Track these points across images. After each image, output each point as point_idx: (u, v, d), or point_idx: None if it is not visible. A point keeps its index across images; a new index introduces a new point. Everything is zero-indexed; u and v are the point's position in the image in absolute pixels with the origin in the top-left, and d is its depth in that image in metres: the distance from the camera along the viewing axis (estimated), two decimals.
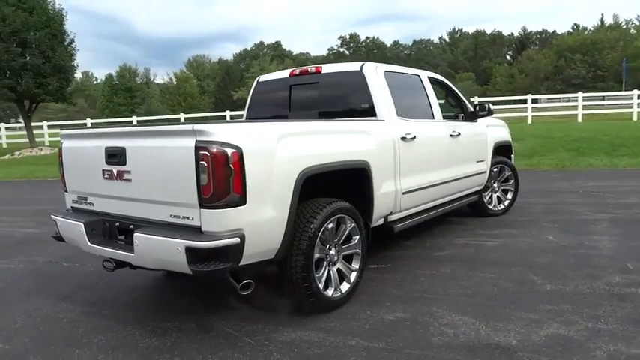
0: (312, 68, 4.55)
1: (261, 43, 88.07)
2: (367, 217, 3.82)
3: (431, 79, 5.08)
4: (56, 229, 3.60)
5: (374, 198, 3.80)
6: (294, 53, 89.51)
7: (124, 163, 3.08)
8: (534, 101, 26.62)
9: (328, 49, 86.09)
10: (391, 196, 4.04)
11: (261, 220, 2.87)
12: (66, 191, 3.69)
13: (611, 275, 3.90)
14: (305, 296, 3.23)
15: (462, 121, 5.46)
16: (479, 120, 5.69)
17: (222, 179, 2.67)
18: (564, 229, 5.37)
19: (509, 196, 6.36)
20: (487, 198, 6.12)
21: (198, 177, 2.68)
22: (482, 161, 5.66)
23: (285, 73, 4.78)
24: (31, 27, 18.71)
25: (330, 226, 3.36)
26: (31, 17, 18.69)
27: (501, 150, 6.23)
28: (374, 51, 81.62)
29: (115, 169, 3.14)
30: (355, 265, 3.64)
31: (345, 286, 3.54)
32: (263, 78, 5.03)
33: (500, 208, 6.25)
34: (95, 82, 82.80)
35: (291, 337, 3.07)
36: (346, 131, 3.68)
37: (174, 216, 2.87)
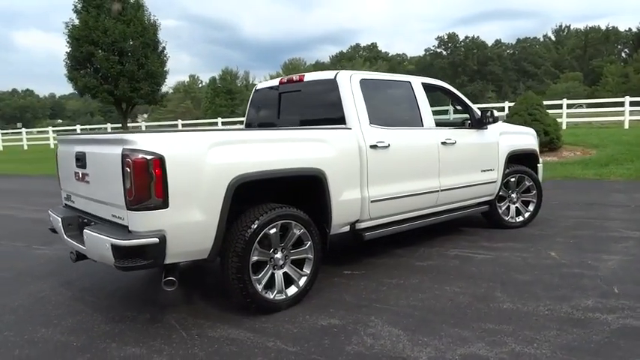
0: (296, 77, 4.69)
1: (357, 45, 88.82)
2: (325, 224, 3.89)
3: (426, 85, 4.98)
4: (50, 223, 4.13)
5: (331, 205, 3.86)
6: (389, 54, 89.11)
7: (84, 167, 3.48)
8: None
9: (425, 50, 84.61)
10: (355, 203, 4.06)
11: (185, 223, 3.09)
12: (61, 189, 4.21)
13: (586, 298, 3.59)
14: (241, 297, 3.40)
15: (469, 128, 5.26)
16: (491, 127, 5.45)
17: (143, 184, 2.93)
18: (577, 246, 4.96)
19: (531, 207, 5.97)
20: (503, 209, 5.80)
21: (124, 181, 2.97)
22: (490, 170, 5.40)
23: (277, 81, 4.96)
24: (128, 37, 20.79)
25: (273, 231, 3.49)
26: (128, 28, 20.77)
27: (521, 159, 5.88)
28: (473, 50, 78.61)
29: (80, 172, 3.56)
30: (306, 270, 3.73)
31: (292, 290, 3.65)
32: (259, 86, 5.27)
33: (518, 220, 5.89)
34: (200, 85, 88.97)
35: (221, 334, 3.26)
36: (295, 139, 3.77)
37: (114, 215, 3.20)
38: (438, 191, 4.79)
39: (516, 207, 5.91)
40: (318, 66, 79.75)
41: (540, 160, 6.21)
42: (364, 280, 4.19)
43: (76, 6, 21.51)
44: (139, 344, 3.15)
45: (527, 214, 5.94)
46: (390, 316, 3.42)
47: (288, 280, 3.66)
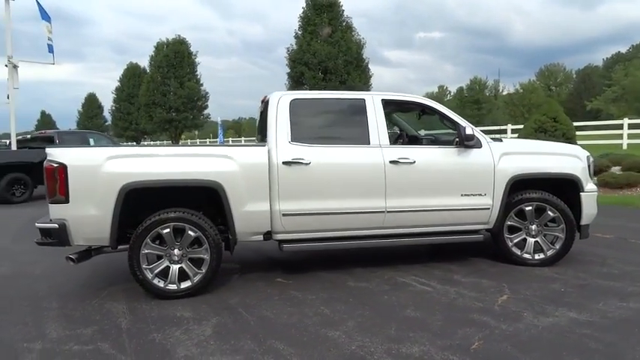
0: (263, 97, 5.14)
1: None
2: (229, 230, 4.33)
3: (390, 102, 4.77)
4: None
5: (233, 214, 4.27)
6: None
7: None
8: None
9: None
10: (262, 215, 4.34)
11: (83, 216, 4.06)
12: None
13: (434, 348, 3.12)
14: (136, 281, 4.19)
15: (457, 147, 4.76)
16: (490, 146, 4.79)
17: (52, 185, 4.02)
18: (546, 297, 4.01)
19: (558, 244, 4.89)
20: (515, 241, 4.94)
21: (46, 182, 4.13)
22: (478, 195, 4.73)
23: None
24: (332, 57, 23.15)
25: (166, 230, 4.16)
26: (333, 49, 23.14)
27: (550, 185, 4.91)
28: None
29: None
30: (202, 269, 4.26)
31: (186, 284, 4.24)
32: (264, 99, 5.79)
33: (537, 258, 4.91)
34: (449, 95, 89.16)
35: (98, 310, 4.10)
36: (195, 154, 4.30)
37: None
38: (383, 212, 4.56)
39: (536, 241, 4.94)
40: (588, 69, 70.03)
41: (591, 188, 4.99)
42: (270, 288, 4.40)
43: (296, 32, 25.13)
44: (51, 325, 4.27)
45: (550, 252, 4.90)
46: (238, 325, 3.68)
47: (186, 275, 4.26)
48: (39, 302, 4.26)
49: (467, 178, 4.73)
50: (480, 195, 4.74)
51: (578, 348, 3.06)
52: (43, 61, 18.25)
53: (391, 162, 4.55)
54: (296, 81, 24.47)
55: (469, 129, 4.62)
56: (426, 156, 4.69)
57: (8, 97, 19.89)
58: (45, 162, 4.08)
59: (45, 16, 17.71)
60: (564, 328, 3.37)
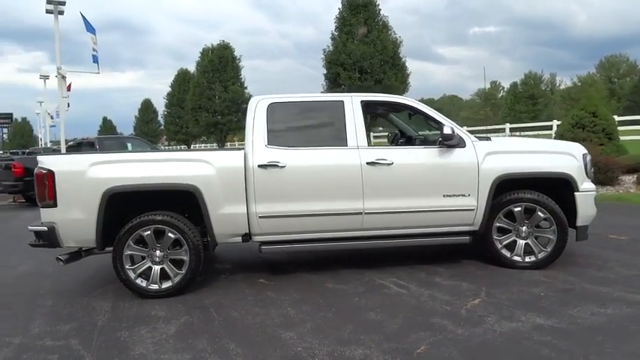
0: None
1: None
2: (208, 232, 4.47)
3: (370, 103, 4.75)
4: None
5: (210, 217, 4.41)
6: None
7: None
8: None
9: None
10: (239, 217, 4.45)
11: (70, 219, 4.31)
12: None
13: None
14: (120, 280, 4.41)
15: (440, 147, 4.68)
16: (475, 145, 4.68)
17: (41, 190, 4.31)
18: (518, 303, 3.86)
19: (549, 247, 4.69)
20: (504, 243, 4.78)
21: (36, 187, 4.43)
22: (461, 195, 4.62)
23: None
24: (367, 57, 23.05)
25: (147, 233, 4.36)
26: (368, 49, 23.03)
27: (543, 184, 4.73)
28: None
29: None
30: (182, 270, 4.42)
31: (167, 284, 4.42)
32: None
33: (528, 260, 4.73)
34: (502, 91, 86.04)
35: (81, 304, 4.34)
36: (174, 159, 4.48)
37: None
38: (361, 214, 4.55)
39: (526, 243, 4.75)
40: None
41: (587, 187, 4.74)
42: (248, 288, 4.51)
43: (332, 33, 25.23)
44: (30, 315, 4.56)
45: (541, 254, 4.71)
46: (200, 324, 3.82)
47: (167, 275, 4.44)
48: (37, 299, 4.56)
49: (449, 179, 4.63)
50: (464, 196, 4.63)
51: (528, 355, 2.96)
52: (89, 71, 19.39)
53: (368, 163, 4.53)
54: (332, 82, 24.59)
55: (448, 128, 4.52)
56: (405, 157, 4.64)
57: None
58: (36, 169, 4.38)
59: (90, 28, 18.77)
60: (523, 334, 3.25)
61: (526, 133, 21.97)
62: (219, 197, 4.41)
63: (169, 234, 4.38)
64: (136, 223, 4.34)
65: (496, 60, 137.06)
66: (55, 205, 4.30)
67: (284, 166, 4.46)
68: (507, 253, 4.78)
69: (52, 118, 36.67)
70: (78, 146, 15.48)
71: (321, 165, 4.55)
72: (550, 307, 3.70)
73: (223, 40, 40.43)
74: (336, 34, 25.02)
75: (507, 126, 20.72)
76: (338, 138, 4.64)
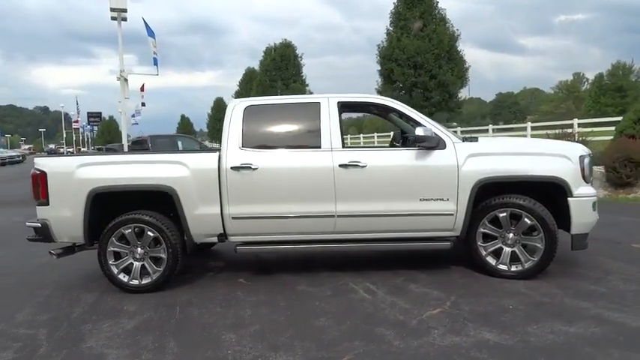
0: None
1: None
2: (185, 232, 4.63)
3: (348, 104, 4.66)
4: None
5: (186, 217, 4.55)
6: None
7: None
8: None
9: None
10: (213, 218, 4.55)
11: (60, 217, 4.63)
12: None
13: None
14: (105, 275, 4.67)
15: (416, 148, 4.50)
16: (455, 147, 4.46)
17: (36, 189, 4.67)
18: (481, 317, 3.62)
19: (537, 255, 4.36)
20: (489, 250, 4.51)
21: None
22: (439, 200, 4.42)
23: None
24: (421, 52, 22.46)
25: (128, 231, 4.58)
26: (423, 43, 22.43)
27: (522, 188, 4.41)
28: None
29: None
30: (161, 268, 4.61)
31: (146, 280, 4.63)
32: None
33: (514, 270, 4.43)
34: (586, 84, 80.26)
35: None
36: (152, 161, 4.65)
37: None
38: (334, 217, 4.49)
39: (513, 251, 4.45)
40: None
41: (583, 192, 4.36)
42: (229, 289, 4.60)
43: (388, 28, 24.78)
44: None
45: (528, 264, 4.39)
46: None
47: (147, 272, 4.64)
48: (38, 289, 4.93)
49: (425, 182, 4.44)
50: (442, 200, 4.42)
51: None
52: (149, 73, 20.55)
53: (341, 166, 4.46)
54: (386, 78, 24.20)
55: (420, 129, 4.33)
56: (380, 159, 4.52)
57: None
58: (32, 170, 4.75)
59: (150, 32, 19.87)
60: (460, 349, 3.07)
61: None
62: (194, 198, 4.54)
63: (149, 232, 4.57)
64: (118, 222, 4.58)
65: (584, 49, 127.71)
66: (47, 204, 4.63)
67: (256, 168, 4.50)
68: (493, 261, 4.51)
69: (133, 116, 39.47)
70: (135, 143, 16.48)
71: (293, 167, 4.54)
72: (510, 322, 3.46)
73: (285, 39, 41.20)
74: (390, 29, 24.61)
75: (575, 121, 19.27)
76: (312, 140, 4.60)
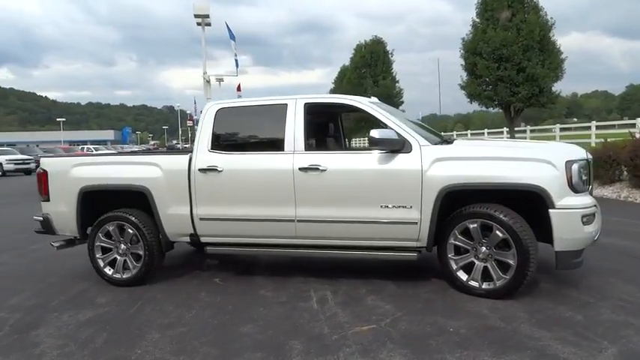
0: None
1: None
2: (160, 230, 4.82)
3: (315, 105, 4.51)
4: None
5: (160, 216, 4.75)
6: None
7: None
8: None
9: None
10: (183, 218, 4.68)
11: (58, 212, 5.07)
12: None
13: None
14: (93, 268, 5.04)
15: (379, 152, 4.23)
16: (422, 150, 4.12)
17: (39, 186, 5.16)
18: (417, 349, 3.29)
19: (509, 273, 3.87)
20: (460, 264, 4.11)
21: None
22: (401, 207, 4.11)
23: None
24: (507, 43, 20.81)
25: (111, 227, 4.89)
26: (509, 35, 20.78)
27: (498, 196, 3.95)
28: None
29: None
30: (139, 264, 4.85)
31: (127, 274, 4.90)
32: None
33: (485, 287, 4.00)
34: None
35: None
36: (130, 162, 4.90)
37: None
38: (293, 221, 4.38)
39: (485, 267, 4.00)
40: None
41: (569, 203, 3.78)
42: (198, 289, 4.70)
43: (473, 20, 23.28)
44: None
45: (500, 282, 3.92)
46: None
47: (128, 267, 4.92)
48: (47, 277, 5.44)
49: (386, 188, 4.15)
50: (404, 207, 4.11)
51: None
52: (229, 74, 21.60)
53: (301, 169, 4.33)
54: (470, 73, 22.77)
55: (375, 132, 4.04)
56: (341, 163, 4.31)
57: None
58: (37, 168, 5.26)
59: (231, 35, 20.89)
60: None
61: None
62: (166, 198, 4.71)
63: (128, 230, 4.84)
64: (103, 218, 4.91)
65: None
66: (48, 200, 5.11)
67: (221, 171, 4.54)
68: (464, 277, 4.10)
69: None
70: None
71: (255, 170, 4.52)
72: (434, 348, 3.13)
73: (376, 36, 40.74)
74: (477, 20, 23.15)
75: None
76: (277, 142, 4.53)
